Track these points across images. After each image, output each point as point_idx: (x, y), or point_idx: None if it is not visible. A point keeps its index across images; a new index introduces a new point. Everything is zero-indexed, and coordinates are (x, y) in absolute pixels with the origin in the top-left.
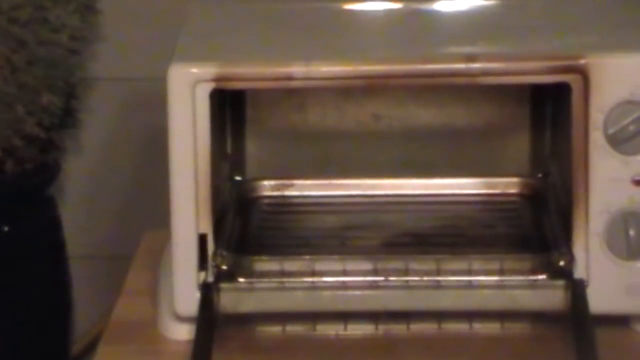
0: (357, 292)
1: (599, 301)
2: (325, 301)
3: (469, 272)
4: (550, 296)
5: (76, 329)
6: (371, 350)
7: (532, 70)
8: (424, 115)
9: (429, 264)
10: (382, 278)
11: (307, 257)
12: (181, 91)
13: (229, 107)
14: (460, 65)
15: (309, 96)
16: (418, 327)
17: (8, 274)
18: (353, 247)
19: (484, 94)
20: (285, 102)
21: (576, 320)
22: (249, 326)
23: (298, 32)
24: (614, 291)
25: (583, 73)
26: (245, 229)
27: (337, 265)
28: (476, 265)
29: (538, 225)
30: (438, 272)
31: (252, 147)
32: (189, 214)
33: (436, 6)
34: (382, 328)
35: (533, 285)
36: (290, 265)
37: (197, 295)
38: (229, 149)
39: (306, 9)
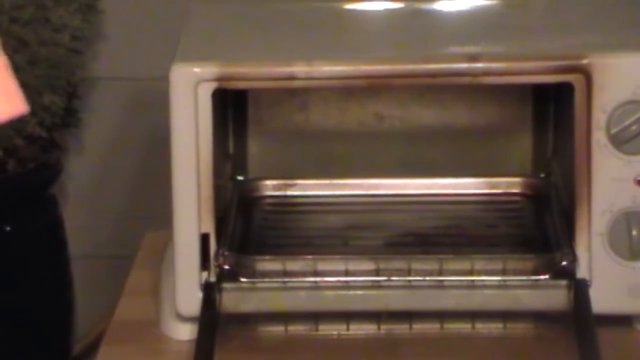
0: (360, 292)
1: (601, 301)
2: (328, 301)
3: (472, 272)
4: (552, 296)
5: (78, 329)
6: (373, 350)
7: (535, 70)
8: (426, 115)
9: (431, 264)
10: (384, 278)
11: (310, 257)
12: (183, 91)
13: (231, 106)
14: (463, 65)
15: (311, 96)
16: (420, 327)
17: (10, 273)
18: (355, 247)
19: (487, 94)
20: (287, 101)
21: (579, 320)
22: (251, 326)
23: (300, 31)
24: (616, 291)
25: (586, 73)
26: (247, 228)
27: (339, 265)
28: (479, 265)
29: (540, 225)
30: (440, 272)
31: (254, 147)
32: (191, 213)
33: (438, 6)
34: (385, 328)
35: (535, 285)
36: (293, 265)
37: (199, 295)
38: (231, 149)
39: (308, 9)
